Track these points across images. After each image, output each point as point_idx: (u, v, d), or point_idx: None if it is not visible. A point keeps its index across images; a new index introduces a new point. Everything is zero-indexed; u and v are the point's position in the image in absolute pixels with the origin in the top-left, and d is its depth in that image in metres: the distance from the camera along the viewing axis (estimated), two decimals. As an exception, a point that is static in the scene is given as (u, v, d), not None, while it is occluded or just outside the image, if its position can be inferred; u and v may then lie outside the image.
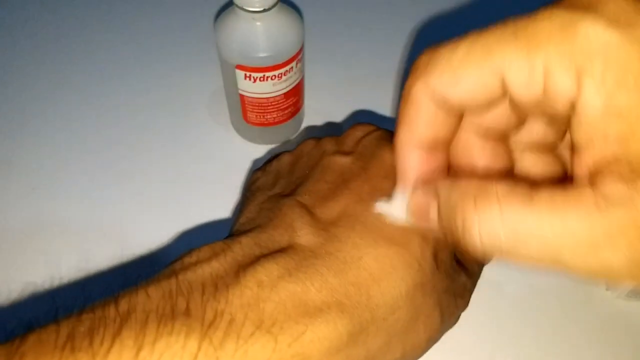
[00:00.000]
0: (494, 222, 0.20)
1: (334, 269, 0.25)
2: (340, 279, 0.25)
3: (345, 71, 0.57)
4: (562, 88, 0.20)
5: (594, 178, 0.19)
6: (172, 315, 0.22)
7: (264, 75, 0.43)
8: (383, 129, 0.32)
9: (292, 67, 0.44)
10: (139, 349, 0.20)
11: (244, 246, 0.26)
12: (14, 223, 0.46)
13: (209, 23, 0.59)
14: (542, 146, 0.27)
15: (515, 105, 0.23)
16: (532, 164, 0.27)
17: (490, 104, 0.23)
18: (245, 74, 0.43)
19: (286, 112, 0.48)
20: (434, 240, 0.27)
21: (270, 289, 0.23)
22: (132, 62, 0.57)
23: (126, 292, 0.23)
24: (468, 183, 0.22)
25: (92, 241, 0.45)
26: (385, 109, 0.53)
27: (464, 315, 0.31)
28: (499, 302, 0.42)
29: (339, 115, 0.53)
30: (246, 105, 0.46)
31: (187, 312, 0.22)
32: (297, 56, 0.44)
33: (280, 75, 0.44)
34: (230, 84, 0.46)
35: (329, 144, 0.32)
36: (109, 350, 0.20)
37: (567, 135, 0.26)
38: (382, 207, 0.27)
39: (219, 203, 0.46)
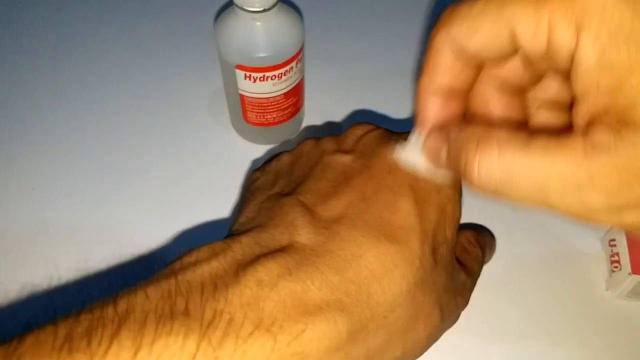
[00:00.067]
0: (491, 163, 0.22)
1: (335, 267, 0.25)
2: (341, 277, 0.25)
3: (346, 71, 0.57)
4: (563, 41, 0.21)
5: (587, 128, 0.21)
6: (170, 316, 0.22)
7: (264, 75, 0.43)
8: (383, 128, 0.32)
9: (292, 67, 0.44)
10: (137, 350, 0.20)
11: (244, 245, 0.26)
12: (13, 223, 0.46)
13: (209, 23, 0.59)
14: (556, 104, 0.28)
15: (525, 60, 0.25)
16: (546, 118, 0.28)
17: (503, 55, 0.24)
18: (245, 74, 0.43)
19: (286, 112, 0.48)
20: (433, 237, 0.27)
21: (270, 288, 0.23)
22: (132, 62, 0.57)
23: (125, 292, 0.23)
24: (475, 128, 0.24)
25: (91, 241, 0.44)
26: (385, 109, 0.53)
27: (463, 314, 0.32)
28: (499, 302, 0.42)
29: (339, 115, 0.53)
30: (246, 105, 0.46)
31: (186, 312, 0.22)
32: (297, 56, 0.44)
33: (280, 75, 0.44)
34: (230, 84, 0.46)
35: (328, 143, 0.32)
36: (107, 351, 0.20)
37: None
38: (399, 151, 0.29)
39: (219, 203, 0.46)
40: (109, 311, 0.22)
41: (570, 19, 0.21)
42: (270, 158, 0.35)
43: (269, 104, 0.46)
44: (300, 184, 0.30)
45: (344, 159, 0.30)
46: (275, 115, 0.47)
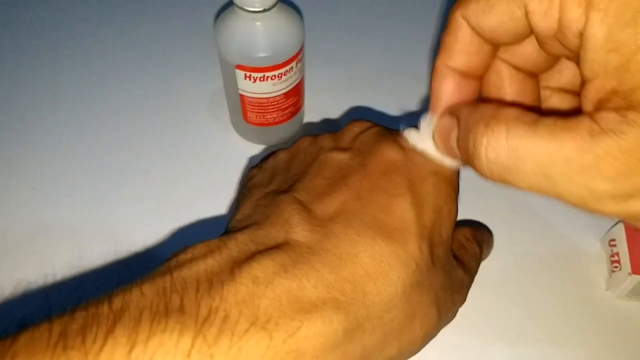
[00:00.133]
0: (499, 143, 0.22)
1: (330, 265, 0.25)
2: (336, 276, 0.24)
3: (346, 71, 0.57)
4: (573, 19, 0.21)
5: (594, 111, 0.21)
6: (165, 313, 0.22)
7: (264, 75, 0.43)
8: (380, 126, 0.32)
9: (292, 67, 0.44)
10: (131, 347, 0.20)
11: (240, 243, 0.26)
12: (13, 223, 0.46)
13: (209, 23, 0.59)
14: (569, 90, 0.28)
15: (539, 40, 0.24)
16: (559, 103, 0.28)
17: (517, 35, 0.24)
18: (245, 74, 0.43)
19: (286, 112, 0.48)
20: (430, 237, 0.27)
21: (265, 285, 0.23)
22: (132, 62, 0.57)
23: (120, 289, 0.23)
24: (485, 107, 0.24)
25: (89, 239, 0.45)
26: (385, 109, 0.53)
27: (462, 314, 0.31)
28: (499, 301, 0.42)
29: (338, 115, 0.53)
30: (246, 105, 0.46)
31: (181, 309, 0.22)
32: (297, 56, 0.44)
33: (280, 75, 0.44)
34: (230, 84, 0.46)
35: (326, 141, 0.32)
36: (101, 349, 0.20)
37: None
38: (410, 134, 0.29)
39: (219, 203, 0.46)
40: (104, 308, 0.22)
41: None
42: (268, 155, 0.35)
43: (269, 104, 0.46)
44: (297, 182, 0.30)
45: (341, 157, 0.30)
46: (275, 115, 0.47)
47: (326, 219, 0.27)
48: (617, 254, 0.42)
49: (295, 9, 0.46)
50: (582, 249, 0.45)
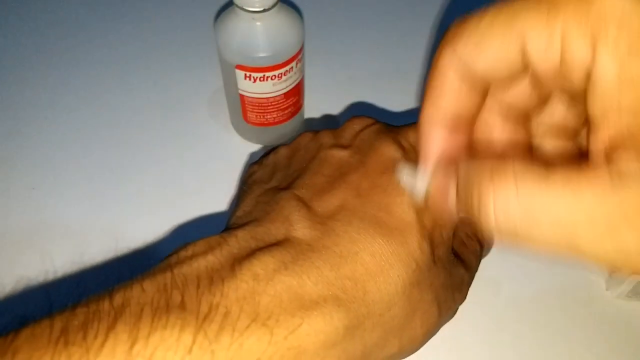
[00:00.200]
0: (509, 200, 0.19)
1: (330, 262, 0.25)
2: (337, 273, 0.24)
3: (346, 71, 0.57)
4: (578, 55, 0.19)
5: (609, 154, 0.19)
6: (166, 309, 0.22)
7: (264, 75, 0.43)
8: (381, 122, 0.32)
9: (292, 67, 0.44)
10: (133, 343, 0.20)
11: (240, 239, 0.26)
12: (14, 222, 0.46)
13: (209, 23, 0.59)
14: (562, 131, 0.27)
15: (536, 79, 0.23)
16: (552, 149, 0.27)
17: (512, 75, 0.23)
18: (245, 74, 0.43)
19: (286, 112, 0.48)
20: (431, 236, 0.27)
21: (266, 282, 0.23)
22: (132, 62, 0.57)
23: (121, 286, 0.23)
24: (486, 161, 0.21)
25: (90, 237, 0.45)
26: (385, 108, 0.53)
27: (462, 314, 0.31)
28: (498, 301, 0.42)
29: (338, 114, 0.53)
30: (246, 105, 0.46)
31: (182, 306, 0.22)
32: (297, 56, 0.44)
33: (280, 75, 0.44)
34: (230, 84, 0.46)
35: (326, 137, 0.32)
36: (102, 344, 0.20)
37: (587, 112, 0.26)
38: (405, 180, 0.27)
39: (218, 202, 0.46)
40: (105, 305, 0.22)
41: (586, 29, 0.19)
42: (268, 151, 0.35)
43: (269, 104, 0.46)
44: (297, 178, 0.30)
45: (341, 154, 0.30)
46: (275, 115, 0.47)
47: (326, 216, 0.27)
48: (617, 253, 0.42)
49: (295, 9, 0.46)
50: (582, 249, 0.45)
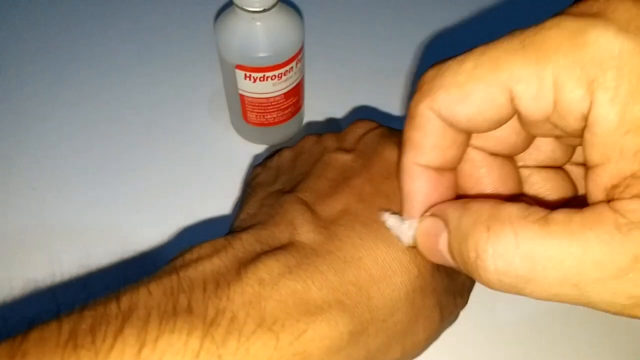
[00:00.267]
0: (508, 249, 0.19)
1: (335, 267, 0.25)
2: (341, 278, 0.24)
3: (346, 71, 0.57)
4: (574, 101, 0.19)
5: (611, 196, 0.18)
6: (174, 313, 0.22)
7: (264, 75, 0.43)
8: (384, 126, 0.32)
9: (292, 67, 0.44)
10: (141, 347, 0.20)
11: (245, 242, 0.26)
12: (15, 221, 0.46)
13: (209, 23, 0.59)
14: (550, 165, 0.26)
15: (524, 122, 0.22)
16: (540, 182, 0.26)
17: (499, 122, 0.22)
18: (245, 74, 0.43)
19: (286, 112, 0.48)
20: None
21: (271, 286, 0.23)
22: (133, 62, 0.57)
23: (127, 289, 0.23)
24: (479, 207, 0.21)
25: (92, 238, 0.45)
26: (385, 108, 0.53)
27: (462, 314, 0.31)
28: (497, 301, 0.42)
29: (339, 115, 0.53)
30: (246, 105, 0.46)
31: (189, 310, 0.22)
32: (297, 56, 0.44)
33: (280, 75, 0.44)
34: (230, 84, 0.46)
35: (330, 141, 0.32)
36: (111, 348, 0.20)
37: (576, 151, 0.26)
38: (390, 224, 0.26)
39: (219, 203, 0.46)
40: (112, 308, 0.22)
41: (580, 74, 0.18)
42: (272, 154, 0.35)
43: (269, 104, 0.46)
44: (301, 182, 0.30)
45: (344, 158, 0.30)
46: (275, 115, 0.47)
47: (329, 220, 0.27)
48: (617, 253, 0.42)
49: (295, 9, 0.46)
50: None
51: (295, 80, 0.46)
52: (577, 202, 0.20)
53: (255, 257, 0.25)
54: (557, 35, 0.19)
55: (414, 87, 0.23)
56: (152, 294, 0.22)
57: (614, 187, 0.18)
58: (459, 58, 0.21)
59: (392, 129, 0.32)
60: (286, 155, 0.34)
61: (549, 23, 0.19)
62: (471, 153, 0.25)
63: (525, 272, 0.18)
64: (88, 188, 0.48)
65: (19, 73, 0.56)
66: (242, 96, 0.46)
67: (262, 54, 0.42)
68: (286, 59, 0.43)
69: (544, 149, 0.25)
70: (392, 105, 0.53)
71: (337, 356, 0.24)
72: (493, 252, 0.19)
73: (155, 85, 0.55)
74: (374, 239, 0.26)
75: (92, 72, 0.56)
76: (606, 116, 0.18)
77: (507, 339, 0.41)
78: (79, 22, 0.61)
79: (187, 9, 0.62)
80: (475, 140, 0.24)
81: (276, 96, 0.46)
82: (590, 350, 0.41)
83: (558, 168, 0.26)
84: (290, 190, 0.29)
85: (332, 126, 0.52)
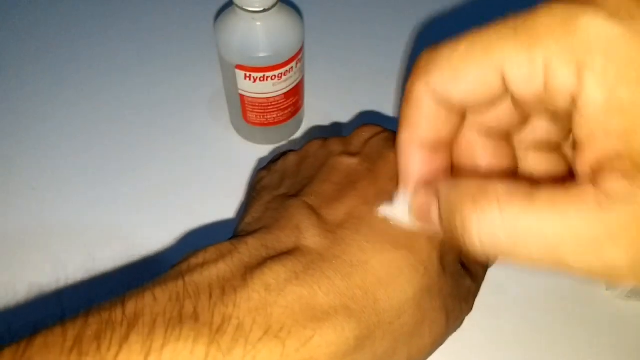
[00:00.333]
0: (493, 222, 0.20)
1: (341, 272, 0.24)
2: (348, 283, 0.24)
3: (345, 71, 0.57)
4: (563, 83, 0.19)
5: (596, 175, 0.19)
6: (179, 320, 0.21)
7: (264, 75, 0.43)
8: (390, 131, 0.32)
9: (292, 67, 0.44)
10: (146, 355, 0.20)
11: (251, 247, 0.25)
12: (15, 224, 0.46)
13: (209, 23, 0.59)
14: (546, 145, 0.26)
15: (517, 103, 0.23)
16: (536, 163, 0.27)
17: (492, 101, 0.22)
18: (245, 74, 0.43)
19: (286, 112, 0.48)
20: (440, 243, 0.27)
21: (277, 292, 0.23)
22: (133, 62, 0.57)
23: (133, 293, 0.23)
24: (468, 182, 0.21)
25: (93, 239, 0.45)
26: (385, 108, 0.53)
27: (466, 320, 0.31)
28: (499, 302, 0.42)
29: (339, 115, 0.53)
30: (246, 105, 0.46)
31: (195, 317, 0.22)
32: (297, 56, 0.44)
33: (280, 75, 0.44)
34: (230, 84, 0.46)
35: (335, 145, 0.32)
36: (116, 356, 0.20)
37: (572, 134, 0.26)
38: (386, 210, 0.27)
39: (219, 203, 0.46)
40: (118, 314, 0.21)
41: (570, 58, 0.19)
42: (277, 157, 0.35)
43: (269, 104, 0.46)
44: (306, 186, 0.29)
45: (350, 162, 0.30)
46: (275, 115, 0.47)
47: (335, 224, 0.27)
48: (617, 253, 0.42)
49: (295, 9, 0.46)
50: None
51: (295, 80, 0.46)
52: (568, 181, 0.21)
53: (262, 262, 0.24)
54: (548, 21, 0.19)
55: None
56: (157, 299, 0.22)
57: (599, 166, 0.19)
58: (454, 41, 0.22)
59: None
60: (291, 159, 0.33)
61: (541, 9, 0.20)
62: (467, 131, 0.26)
63: (507, 243, 0.19)
64: (88, 188, 0.48)
65: (19, 73, 0.56)
66: (242, 96, 0.46)
67: (262, 54, 0.42)
68: (286, 59, 0.43)
69: (540, 131, 0.26)
70: (391, 105, 0.53)
71: None
72: (478, 223, 0.20)
73: (155, 85, 0.55)
74: (380, 241, 0.26)
75: (92, 72, 0.56)
76: (593, 98, 0.18)
77: (508, 338, 0.41)
78: (79, 22, 0.61)
79: (187, 9, 0.62)
80: (471, 118, 0.25)
81: (276, 96, 0.46)
82: (590, 351, 0.41)
83: (555, 150, 0.27)
84: (296, 194, 0.29)
85: (335, 130, 0.52)
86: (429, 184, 0.25)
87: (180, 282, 0.23)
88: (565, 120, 0.23)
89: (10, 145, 0.50)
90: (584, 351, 0.40)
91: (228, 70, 0.44)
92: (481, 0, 0.62)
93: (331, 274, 0.24)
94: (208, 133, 0.52)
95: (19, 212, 0.46)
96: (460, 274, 0.29)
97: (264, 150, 0.51)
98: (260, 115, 0.47)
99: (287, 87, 0.46)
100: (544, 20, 0.19)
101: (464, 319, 0.31)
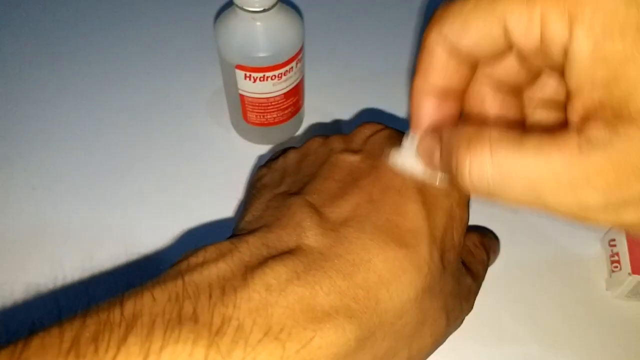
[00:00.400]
0: (483, 163, 0.21)
1: (343, 271, 0.24)
2: (349, 282, 0.24)
3: (345, 71, 0.57)
4: (556, 34, 0.21)
5: (582, 124, 0.20)
6: (179, 321, 0.21)
7: (264, 75, 0.43)
8: (391, 128, 0.32)
9: (292, 67, 0.44)
10: (145, 357, 0.20)
11: (251, 246, 0.25)
12: (15, 223, 0.46)
13: (209, 23, 0.59)
14: (554, 104, 0.27)
15: (520, 56, 0.24)
16: (543, 118, 0.28)
17: (497, 52, 0.24)
18: (245, 74, 0.43)
19: (286, 112, 0.48)
20: (442, 241, 0.27)
21: (278, 293, 0.23)
22: (133, 62, 0.57)
23: (131, 293, 0.22)
24: (466, 127, 0.23)
25: (93, 239, 0.45)
26: (385, 108, 0.53)
27: (467, 319, 0.31)
28: (499, 302, 0.42)
29: (339, 115, 0.53)
30: (246, 105, 0.46)
31: (194, 318, 0.21)
32: (297, 56, 0.44)
33: (280, 75, 0.44)
34: (230, 84, 0.46)
35: (336, 142, 0.32)
36: (114, 358, 0.20)
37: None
38: (394, 156, 0.28)
39: (219, 203, 0.46)
40: (116, 315, 0.21)
41: (563, 11, 0.20)
42: (277, 154, 0.35)
43: (269, 104, 0.46)
44: (308, 183, 0.29)
45: (352, 159, 0.30)
46: (275, 115, 0.47)
47: (338, 222, 0.26)
48: (617, 254, 0.42)
49: (295, 9, 0.46)
50: (582, 249, 0.45)
51: (295, 80, 0.46)
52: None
53: (262, 262, 0.24)
54: None
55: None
56: (156, 299, 0.22)
57: (586, 115, 0.20)
58: None
59: (400, 131, 0.32)
60: (292, 156, 0.33)
61: None
62: (478, 81, 0.27)
63: (494, 181, 0.21)
64: (88, 188, 0.48)
65: (19, 73, 0.56)
66: (242, 96, 0.46)
67: (262, 54, 0.42)
68: (286, 59, 0.43)
69: (549, 88, 0.27)
70: (391, 105, 0.53)
71: None
72: (470, 161, 0.22)
73: (155, 85, 0.55)
74: (384, 239, 0.26)
75: (92, 72, 0.56)
76: (581, 49, 0.20)
77: (507, 339, 0.41)
78: (79, 22, 0.61)
79: (187, 9, 0.62)
80: (483, 70, 0.27)
81: (276, 96, 0.46)
82: (590, 350, 0.41)
83: (562, 109, 0.27)
84: (297, 192, 0.29)
85: (335, 127, 0.52)
86: (436, 129, 0.26)
87: (179, 282, 0.23)
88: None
89: (10, 145, 0.50)
90: (583, 351, 0.40)
91: (228, 70, 0.44)
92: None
93: (333, 273, 0.24)
94: (208, 133, 0.52)
95: (19, 212, 0.46)
96: (461, 273, 0.29)
97: (264, 150, 0.51)
98: (260, 115, 0.47)
99: (287, 87, 0.46)
100: None
101: (464, 318, 0.31)
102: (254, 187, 0.33)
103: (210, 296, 0.22)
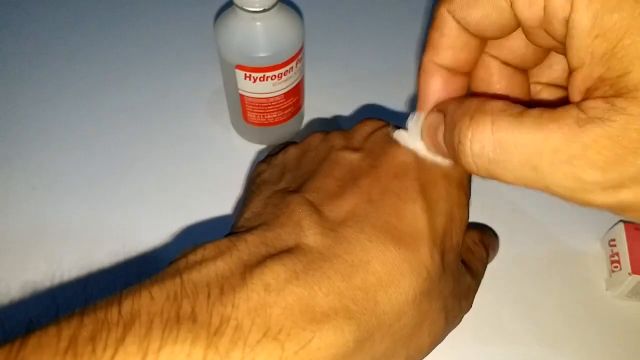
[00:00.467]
0: (484, 135, 0.22)
1: (342, 272, 0.24)
2: (348, 283, 0.24)
3: (345, 71, 0.57)
4: (558, 6, 0.21)
5: (582, 99, 0.20)
6: (177, 320, 0.21)
7: (264, 75, 0.43)
8: (392, 125, 0.32)
9: (292, 67, 0.44)
10: (143, 357, 0.20)
11: (250, 245, 0.25)
12: (15, 223, 0.46)
13: (209, 23, 0.59)
14: (560, 84, 0.28)
15: (525, 31, 0.24)
16: (549, 97, 0.28)
17: (503, 28, 0.24)
18: (245, 74, 0.43)
19: (286, 112, 0.48)
20: (442, 243, 0.27)
21: (277, 293, 0.23)
22: (133, 62, 0.57)
23: (129, 292, 0.22)
24: (470, 101, 0.23)
25: (93, 238, 0.45)
26: (385, 108, 0.53)
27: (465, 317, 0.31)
28: (499, 301, 0.42)
29: (339, 114, 0.53)
30: (246, 105, 0.46)
31: (193, 317, 0.21)
32: (297, 56, 0.44)
33: (280, 75, 0.44)
34: (230, 84, 0.46)
35: (337, 139, 0.31)
36: (112, 358, 0.20)
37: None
38: (400, 135, 0.29)
39: (219, 203, 0.46)
40: (114, 314, 0.21)
41: None
42: (276, 150, 0.34)
43: (269, 104, 0.46)
44: (307, 181, 0.29)
45: (352, 157, 0.29)
46: (275, 115, 0.47)
47: (337, 222, 0.26)
48: (617, 254, 0.42)
49: (295, 9, 0.46)
50: (582, 249, 0.45)
51: (295, 80, 0.46)
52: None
53: (261, 261, 0.24)
54: None
55: (415, 88, 0.27)
56: (154, 298, 0.22)
57: (587, 90, 0.21)
58: None
59: (400, 128, 0.31)
60: (292, 152, 0.33)
61: None
62: (486, 60, 0.28)
63: (494, 155, 0.21)
64: (88, 188, 0.48)
65: (19, 73, 0.56)
66: (242, 96, 0.46)
67: (262, 54, 0.42)
68: (286, 59, 0.43)
69: (556, 68, 0.28)
70: (391, 105, 0.53)
71: None
72: (471, 137, 0.22)
73: (155, 85, 0.55)
74: (383, 241, 0.25)
75: (92, 72, 0.56)
76: (581, 21, 0.20)
77: (507, 339, 0.41)
78: (79, 22, 0.61)
79: (187, 9, 0.62)
80: (491, 48, 0.27)
81: (276, 96, 0.46)
82: (590, 350, 0.40)
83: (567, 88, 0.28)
84: (297, 189, 0.29)
85: (335, 123, 0.52)
86: (439, 107, 0.27)
87: (177, 281, 0.23)
88: None
89: (10, 145, 0.50)
90: (583, 351, 0.40)
91: (228, 70, 0.44)
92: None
93: (332, 274, 0.24)
94: (208, 133, 0.52)
95: (19, 212, 0.46)
96: (460, 272, 0.29)
97: (267, 148, 0.51)
98: (260, 115, 0.47)
99: (287, 87, 0.46)
100: None
101: (463, 316, 0.30)
102: (253, 183, 0.33)
103: (209, 295, 0.22)
